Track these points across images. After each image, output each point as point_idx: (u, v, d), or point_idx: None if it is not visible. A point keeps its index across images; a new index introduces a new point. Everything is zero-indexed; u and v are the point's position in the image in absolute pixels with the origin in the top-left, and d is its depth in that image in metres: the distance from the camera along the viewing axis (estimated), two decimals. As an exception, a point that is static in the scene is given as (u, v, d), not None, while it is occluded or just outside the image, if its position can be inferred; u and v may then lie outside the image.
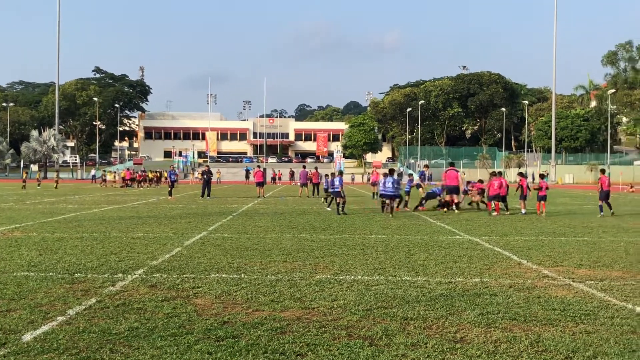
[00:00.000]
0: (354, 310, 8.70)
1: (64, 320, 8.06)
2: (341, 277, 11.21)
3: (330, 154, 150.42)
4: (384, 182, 26.53)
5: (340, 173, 28.58)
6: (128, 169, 78.15)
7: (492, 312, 8.62)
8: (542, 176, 28.83)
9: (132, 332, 7.57)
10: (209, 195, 41.28)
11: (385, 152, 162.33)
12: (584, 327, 7.94)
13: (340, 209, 26.78)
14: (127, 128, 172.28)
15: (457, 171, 29.31)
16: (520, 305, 9.11)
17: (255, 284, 10.51)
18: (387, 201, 26.55)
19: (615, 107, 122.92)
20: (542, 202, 27.55)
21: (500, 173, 29.35)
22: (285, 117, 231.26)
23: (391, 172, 27.67)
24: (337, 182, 27.40)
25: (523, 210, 27.56)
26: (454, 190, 28.46)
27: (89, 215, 25.52)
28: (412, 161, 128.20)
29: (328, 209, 29.21)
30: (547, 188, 28.18)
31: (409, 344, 7.20)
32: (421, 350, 7.01)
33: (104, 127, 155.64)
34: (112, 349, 6.95)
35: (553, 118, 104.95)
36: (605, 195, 27.64)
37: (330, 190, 29.20)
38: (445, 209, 28.40)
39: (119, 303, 9.02)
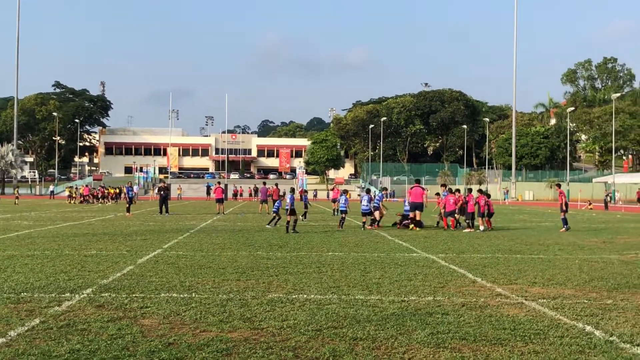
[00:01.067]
0: (303, 330, 8.57)
1: (3, 342, 7.82)
2: (294, 296, 11.08)
3: (293, 170, 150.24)
4: (361, 200, 29.46)
5: (292, 190, 28.22)
6: (86, 185, 77.28)
7: (442, 332, 8.54)
8: (488, 196, 29.44)
9: (73, 354, 7.35)
10: (167, 211, 40.82)
11: (348, 169, 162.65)
12: (533, 347, 7.89)
13: (291, 228, 26.17)
14: (87, 143, 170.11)
15: (423, 189, 29.66)
16: (471, 324, 9.04)
17: (206, 304, 10.32)
18: (364, 218, 28.70)
19: (574, 124, 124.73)
20: (489, 218, 28.67)
21: (470, 190, 29.42)
22: (248, 133, 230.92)
23: (367, 191, 30.36)
24: (288, 200, 26.67)
25: (481, 227, 27.72)
26: (418, 206, 28.69)
27: (43, 232, 25.08)
28: (374, 177, 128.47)
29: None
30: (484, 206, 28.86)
31: (356, 366, 7.10)
32: (368, 371, 6.93)
33: (63, 142, 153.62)
34: (50, 372, 6.75)
35: (513, 135, 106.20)
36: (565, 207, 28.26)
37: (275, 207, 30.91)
38: (412, 227, 28.46)
39: (63, 324, 8.78)
